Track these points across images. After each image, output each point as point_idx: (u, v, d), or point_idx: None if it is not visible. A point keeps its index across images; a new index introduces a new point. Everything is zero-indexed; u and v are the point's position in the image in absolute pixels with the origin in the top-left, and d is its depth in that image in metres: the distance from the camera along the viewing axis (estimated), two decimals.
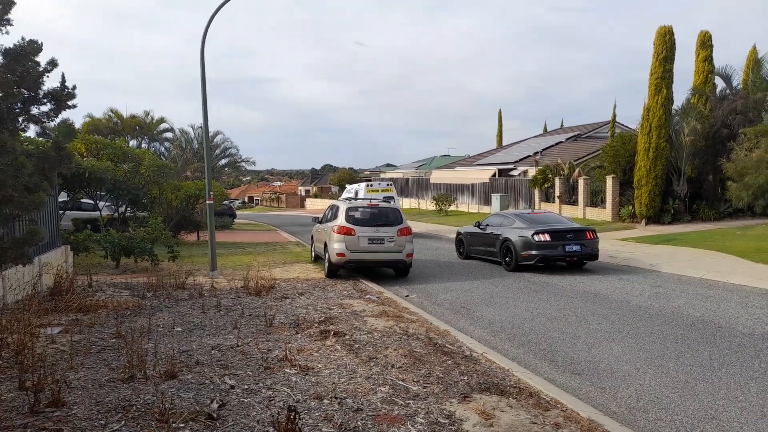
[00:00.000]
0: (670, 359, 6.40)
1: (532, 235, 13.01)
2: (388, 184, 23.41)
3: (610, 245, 17.26)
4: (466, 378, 5.54)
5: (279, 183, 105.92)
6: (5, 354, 5.65)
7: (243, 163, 50.98)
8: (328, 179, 77.05)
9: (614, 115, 33.18)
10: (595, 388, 5.62)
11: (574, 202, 26.59)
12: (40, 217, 9.45)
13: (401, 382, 5.32)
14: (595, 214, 24.83)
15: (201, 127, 39.87)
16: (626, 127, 33.28)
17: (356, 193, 22.94)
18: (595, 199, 25.24)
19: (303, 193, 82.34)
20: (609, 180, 23.52)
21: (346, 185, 28.78)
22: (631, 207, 22.48)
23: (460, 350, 6.66)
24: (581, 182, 25.72)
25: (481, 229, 15.19)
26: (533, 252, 12.94)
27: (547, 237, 12.95)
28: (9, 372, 5.31)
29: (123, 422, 4.23)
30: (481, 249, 15.18)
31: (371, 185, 23.24)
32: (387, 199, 13.57)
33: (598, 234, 20.07)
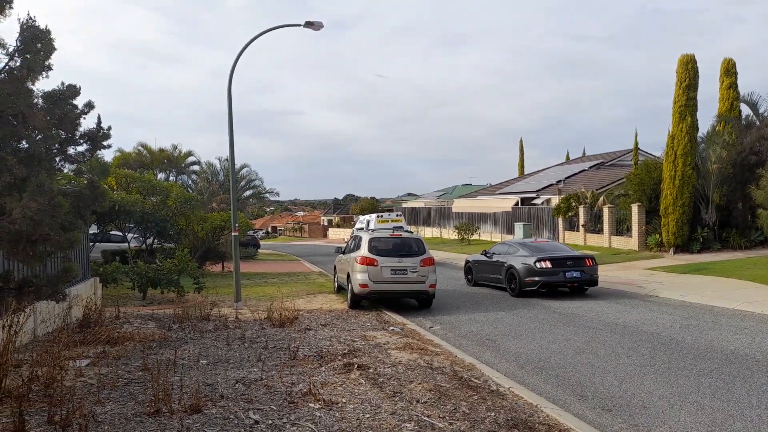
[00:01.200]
0: (705, 395, 6.18)
1: (535, 263, 13.66)
2: (397, 215, 24.88)
3: (638, 275, 16.90)
4: (493, 414, 5.42)
5: (302, 213, 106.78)
6: (35, 387, 5.74)
7: (267, 194, 51.64)
8: (350, 209, 77.44)
9: (636, 143, 32.84)
10: (628, 425, 5.44)
11: (599, 231, 26.21)
12: (72, 251, 9.68)
13: (427, 419, 5.24)
14: (621, 243, 24.41)
15: (227, 159, 40.68)
16: (649, 154, 32.90)
17: (368, 223, 23.85)
18: (621, 227, 24.86)
19: (325, 223, 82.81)
20: (635, 208, 23.18)
21: (359, 216, 29.99)
22: (658, 235, 22.06)
23: (486, 384, 6.53)
24: (606, 210, 25.39)
25: (487, 257, 15.84)
26: (536, 278, 13.57)
27: (549, 264, 13.58)
28: (38, 405, 5.38)
29: None
30: (488, 276, 15.84)
31: (381, 216, 24.58)
32: (397, 228, 14.32)
33: (625, 263, 19.93)
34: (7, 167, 3.29)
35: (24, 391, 5.19)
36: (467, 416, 5.34)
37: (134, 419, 5.12)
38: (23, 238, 3.48)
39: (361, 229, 27.27)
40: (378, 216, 25.55)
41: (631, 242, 23.65)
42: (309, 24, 13.28)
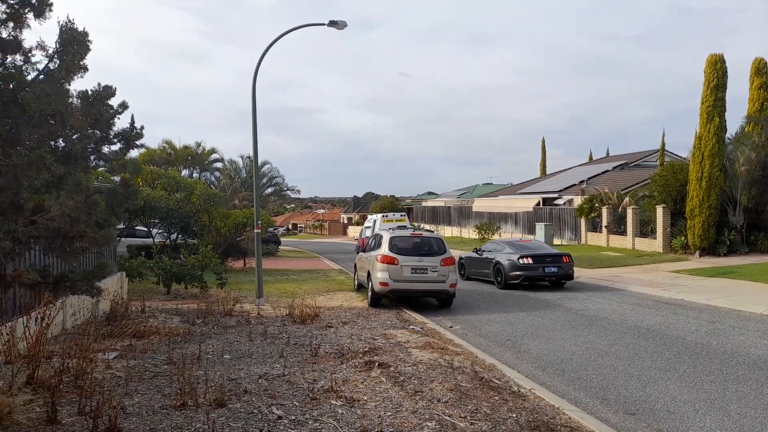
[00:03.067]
0: (732, 401, 6.09)
1: (518, 259, 15.38)
2: (402, 215, 28.18)
3: (662, 277, 16.65)
4: (514, 415, 5.42)
5: (322, 210, 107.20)
6: (66, 378, 5.90)
7: (288, 192, 52.11)
8: (370, 207, 77.54)
9: (663, 144, 32.29)
10: (651, 429, 5.39)
11: (623, 232, 25.87)
12: (106, 247, 9.89)
13: (448, 418, 5.26)
14: (644, 245, 24.05)
15: (249, 157, 41.16)
16: (675, 155, 32.36)
17: (374, 222, 26.48)
18: (645, 229, 24.49)
19: (345, 221, 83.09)
20: (659, 210, 22.82)
21: (367, 215, 32.13)
22: (683, 238, 21.69)
23: (507, 385, 6.53)
24: (630, 212, 25.04)
25: (478, 254, 17.49)
26: (519, 272, 15.26)
27: (530, 260, 15.30)
28: (69, 396, 5.54)
29: None
30: (478, 271, 17.33)
31: (387, 216, 28.11)
32: (401, 228, 15.25)
33: (649, 265, 19.66)
34: (46, 165, 3.41)
35: (56, 382, 5.34)
36: (488, 417, 5.35)
37: (161, 412, 5.24)
38: (61, 235, 3.60)
39: (368, 227, 29.46)
40: (383, 216, 28.12)
41: (655, 244, 23.29)
42: (333, 23, 13.36)
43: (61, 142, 4.03)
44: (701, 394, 6.36)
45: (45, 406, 4.98)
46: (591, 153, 47.63)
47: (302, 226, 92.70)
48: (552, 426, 5.18)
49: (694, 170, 20.85)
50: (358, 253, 28.70)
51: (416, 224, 43.77)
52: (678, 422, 5.54)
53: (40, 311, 6.14)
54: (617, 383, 6.85)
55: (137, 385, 6.10)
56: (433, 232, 16.18)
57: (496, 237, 35.60)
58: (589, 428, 5.20)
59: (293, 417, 5.19)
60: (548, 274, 15.28)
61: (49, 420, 4.81)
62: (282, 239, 45.23)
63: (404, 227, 19.77)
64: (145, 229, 20.39)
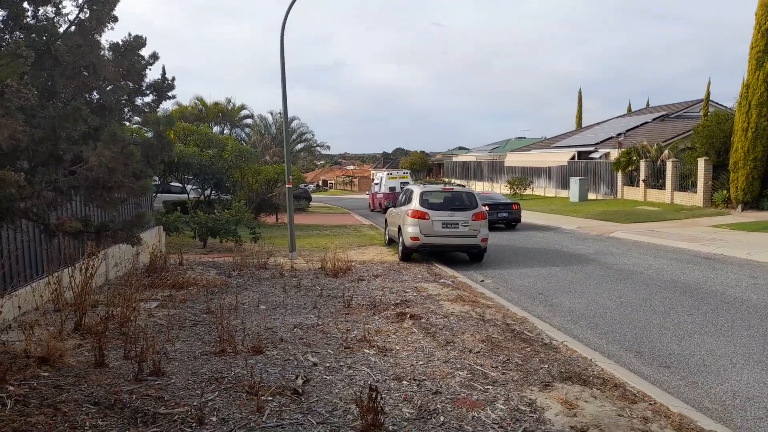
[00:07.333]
0: None
1: None
2: (404, 173, 32.76)
3: (702, 232, 16.21)
4: (546, 366, 5.44)
5: (352, 167, 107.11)
6: (111, 326, 6.17)
7: (318, 148, 52.13)
8: (400, 163, 77.10)
9: (708, 93, 30.65)
10: (686, 382, 5.35)
11: (661, 186, 25.16)
12: (144, 198, 10.13)
13: (479, 368, 5.32)
14: (684, 199, 23.37)
15: (279, 113, 41.15)
16: (721, 105, 30.84)
17: (381, 180, 28.60)
18: (685, 182, 23.74)
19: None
20: (701, 162, 22.02)
21: (375, 173, 35.10)
22: (725, 191, 20.96)
23: (539, 337, 6.54)
24: (669, 165, 24.24)
25: None
26: None
27: (487, 208, 17.47)
28: (115, 342, 5.81)
29: (217, 393, 4.53)
30: None
31: (391, 173, 29.57)
32: (403, 184, 16.26)
33: (687, 219, 19.20)
34: (82, 117, 3.46)
35: (102, 329, 5.58)
36: (520, 367, 5.39)
37: (202, 357, 5.45)
38: (100, 185, 3.69)
39: (377, 184, 31.86)
40: (388, 174, 30.81)
41: (695, 198, 22.61)
42: None
43: (95, 94, 4.08)
44: (739, 348, 6.25)
45: (93, 351, 5.23)
46: (630, 104, 45.86)
47: (332, 182, 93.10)
48: (584, 377, 5.19)
49: (739, 120, 19.92)
50: (370, 208, 30.70)
51: (446, 179, 43.71)
52: (714, 375, 5.48)
53: (84, 262, 6.37)
54: (652, 337, 6.78)
55: (178, 333, 6.34)
56: (464, 186, 16.05)
57: (528, 192, 35.17)
58: (622, 380, 5.18)
59: (328, 364, 5.32)
60: (500, 219, 19.22)
61: (98, 363, 5.05)
62: (313, 195, 45.62)
63: (407, 183, 21.94)
64: (180, 185, 20.80)
